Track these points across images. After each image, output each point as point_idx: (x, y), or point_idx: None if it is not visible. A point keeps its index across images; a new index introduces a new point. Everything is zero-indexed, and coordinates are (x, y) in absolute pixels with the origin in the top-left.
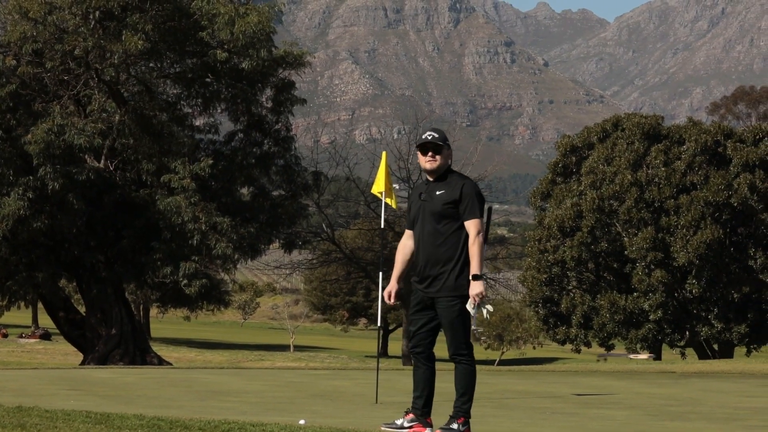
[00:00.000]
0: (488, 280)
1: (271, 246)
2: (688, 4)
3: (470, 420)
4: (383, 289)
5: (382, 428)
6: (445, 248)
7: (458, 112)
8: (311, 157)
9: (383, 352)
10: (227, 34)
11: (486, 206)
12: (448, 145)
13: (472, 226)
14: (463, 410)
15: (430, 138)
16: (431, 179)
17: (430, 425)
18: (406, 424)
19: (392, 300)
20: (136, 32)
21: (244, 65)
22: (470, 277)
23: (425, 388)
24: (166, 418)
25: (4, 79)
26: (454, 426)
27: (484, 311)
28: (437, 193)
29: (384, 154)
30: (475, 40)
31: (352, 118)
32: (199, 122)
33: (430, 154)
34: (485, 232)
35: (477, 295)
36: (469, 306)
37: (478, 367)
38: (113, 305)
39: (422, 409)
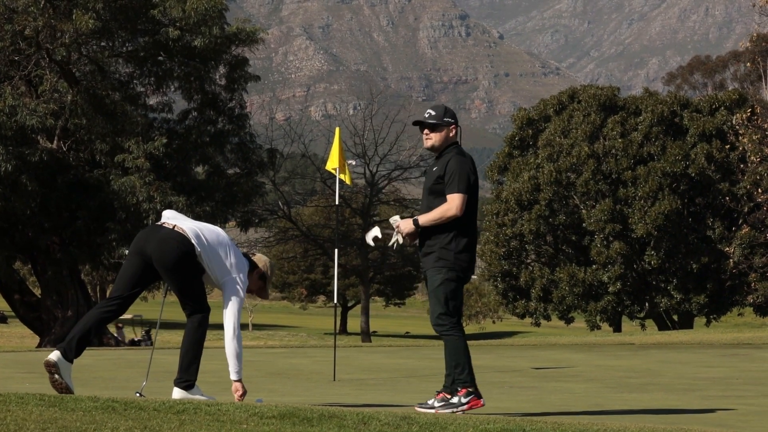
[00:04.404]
0: None
1: (227, 224)
2: None
3: (472, 389)
4: (339, 266)
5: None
6: (437, 225)
7: (414, 87)
8: (266, 134)
9: (342, 330)
10: (179, 11)
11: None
12: (448, 122)
13: (448, 199)
14: (461, 381)
15: (426, 117)
16: (436, 157)
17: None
18: (437, 404)
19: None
20: (87, 11)
21: (196, 43)
22: (411, 220)
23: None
24: (120, 399)
25: None
26: (455, 400)
27: (393, 238)
28: (433, 169)
29: (337, 130)
30: (430, 14)
31: (308, 94)
32: (152, 101)
33: (426, 131)
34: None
35: (401, 227)
36: (393, 222)
37: (434, 342)
38: (69, 287)
39: (451, 387)
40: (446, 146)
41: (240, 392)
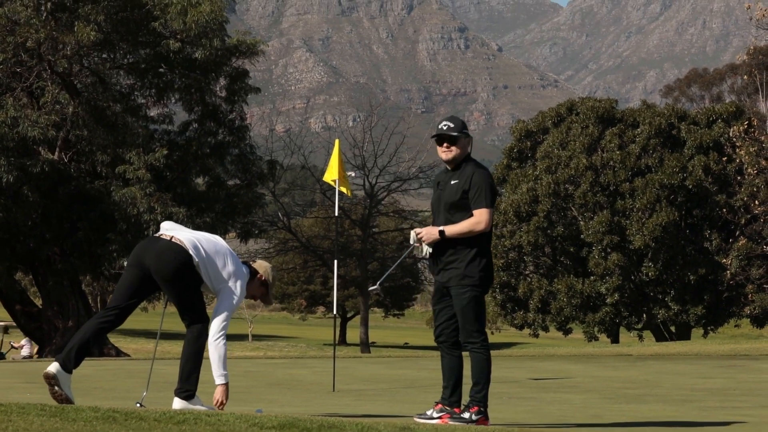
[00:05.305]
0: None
1: (227, 236)
2: None
3: (483, 409)
4: (339, 277)
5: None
6: (458, 238)
7: (413, 99)
8: (266, 146)
9: (341, 340)
10: (180, 23)
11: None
12: (465, 134)
13: (476, 213)
14: (477, 399)
15: (445, 128)
16: (449, 168)
17: (459, 414)
18: (435, 415)
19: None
20: (89, 23)
21: (197, 55)
22: (438, 230)
23: (451, 377)
24: (121, 409)
25: None
26: (466, 415)
27: (424, 249)
28: (451, 182)
29: (337, 141)
30: (429, 27)
31: (307, 106)
32: (153, 113)
33: (445, 144)
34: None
35: (425, 236)
36: (412, 239)
37: (433, 353)
38: (70, 297)
39: (449, 399)
40: (462, 158)
41: (218, 398)
